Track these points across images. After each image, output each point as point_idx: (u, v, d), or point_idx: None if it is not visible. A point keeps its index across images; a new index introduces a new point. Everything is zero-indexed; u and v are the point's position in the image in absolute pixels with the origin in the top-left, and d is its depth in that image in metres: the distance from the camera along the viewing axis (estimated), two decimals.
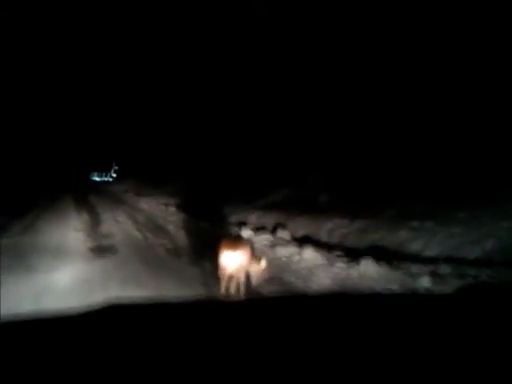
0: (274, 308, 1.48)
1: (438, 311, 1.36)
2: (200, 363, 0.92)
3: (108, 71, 40.92)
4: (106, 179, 53.66)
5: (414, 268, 5.40)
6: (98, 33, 36.40)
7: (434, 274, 4.99)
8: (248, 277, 4.53)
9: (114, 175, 54.63)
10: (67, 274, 5.67)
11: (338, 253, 6.72)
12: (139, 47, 32.90)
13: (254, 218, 11.42)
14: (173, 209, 13.57)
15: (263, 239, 8.05)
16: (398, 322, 1.24)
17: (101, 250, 7.45)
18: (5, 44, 26.92)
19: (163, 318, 1.29)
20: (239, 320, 1.31)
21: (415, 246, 7.41)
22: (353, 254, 6.47)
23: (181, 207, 13.73)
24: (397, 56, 12.29)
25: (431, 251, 7.07)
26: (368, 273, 5.31)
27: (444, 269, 5.22)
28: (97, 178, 57.77)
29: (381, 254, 6.36)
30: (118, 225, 10.65)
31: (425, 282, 4.77)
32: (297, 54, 16.65)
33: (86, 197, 20.61)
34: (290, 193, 13.48)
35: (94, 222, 11.06)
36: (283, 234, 8.78)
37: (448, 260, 5.98)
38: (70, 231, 9.40)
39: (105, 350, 1.00)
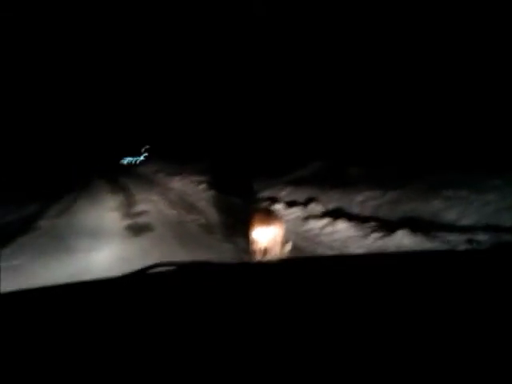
0: (306, 268, 1.50)
1: (473, 267, 1.35)
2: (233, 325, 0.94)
3: (133, 60, 41.86)
4: (136, 161, 54.47)
5: (451, 237, 5.31)
6: (117, 22, 37.26)
7: (471, 242, 4.89)
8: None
9: (145, 156, 55.42)
10: (106, 253, 5.83)
11: (371, 224, 6.67)
12: (156, 40, 34.08)
13: (284, 193, 11.41)
14: (203, 186, 13.69)
15: (295, 213, 8.05)
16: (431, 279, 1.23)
17: (137, 228, 7.62)
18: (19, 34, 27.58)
19: (202, 280, 1.32)
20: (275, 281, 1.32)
21: (450, 216, 7.26)
22: (386, 226, 6.41)
23: (211, 184, 13.84)
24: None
25: (467, 220, 6.92)
26: (404, 243, 5.26)
27: (481, 236, 5.11)
28: (128, 160, 58.70)
29: (415, 225, 6.27)
30: (151, 204, 10.84)
31: None
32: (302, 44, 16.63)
33: (119, 179, 21.03)
34: (321, 166, 13.37)
35: (129, 202, 11.30)
36: (315, 207, 8.75)
37: (485, 228, 5.86)
38: (106, 212, 9.64)
39: (142, 311, 1.03)
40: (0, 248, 6.00)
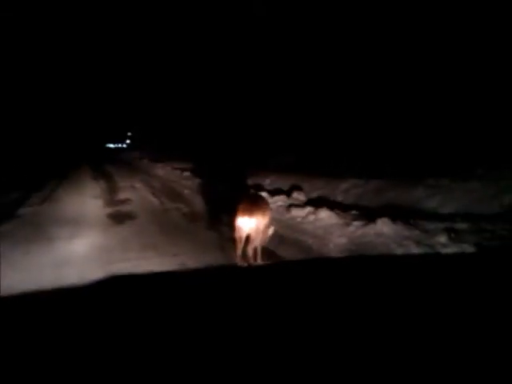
0: (292, 273, 1.50)
1: (454, 271, 1.38)
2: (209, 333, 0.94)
3: (123, 49, 41.59)
4: (119, 147, 54.02)
5: (431, 225, 5.38)
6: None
7: (450, 231, 4.97)
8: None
9: (127, 144, 54.98)
10: (88, 240, 5.79)
11: (354, 212, 6.72)
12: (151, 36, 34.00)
13: (268, 181, 11.43)
14: (187, 174, 13.62)
15: (279, 201, 8.07)
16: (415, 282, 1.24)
17: (119, 216, 7.56)
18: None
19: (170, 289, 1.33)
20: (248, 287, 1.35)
21: (432, 204, 7.36)
22: (369, 214, 6.46)
23: (195, 172, 13.79)
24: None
25: (448, 208, 7.02)
26: (384, 231, 5.31)
27: (460, 225, 5.20)
28: (110, 147, 58.15)
29: (397, 213, 6.34)
30: (134, 191, 10.77)
31: (441, 239, 4.75)
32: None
33: (102, 165, 20.82)
34: (305, 155, 13.40)
35: (111, 190, 11.21)
36: (299, 195, 8.79)
37: (465, 216, 5.95)
38: (88, 199, 9.54)
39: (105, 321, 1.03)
40: None
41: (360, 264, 1.69)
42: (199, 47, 26.27)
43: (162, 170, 16.56)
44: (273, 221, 5.08)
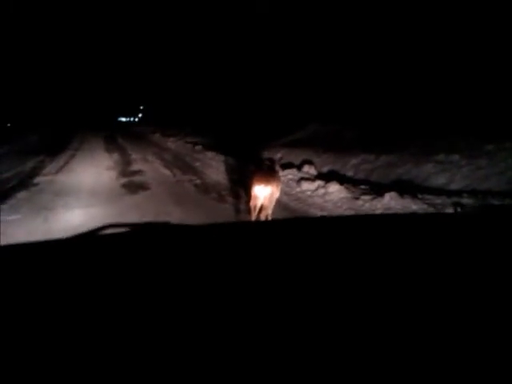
0: (293, 228, 1.49)
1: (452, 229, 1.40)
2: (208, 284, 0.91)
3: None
4: (131, 121, 54.12)
5: (438, 200, 5.48)
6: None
7: (457, 205, 5.07)
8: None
9: (139, 117, 55.03)
10: (104, 208, 5.97)
11: (363, 187, 6.83)
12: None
13: (280, 155, 11.52)
14: (199, 147, 13.74)
15: (289, 174, 8.19)
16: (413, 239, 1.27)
17: (133, 186, 7.74)
18: None
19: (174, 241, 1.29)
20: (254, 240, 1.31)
21: (440, 180, 7.43)
22: (377, 189, 6.57)
23: (207, 145, 13.90)
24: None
25: (457, 184, 7.09)
26: (392, 205, 5.43)
27: (467, 200, 5.29)
28: (123, 120, 58.27)
29: (406, 188, 6.44)
30: (147, 164, 10.94)
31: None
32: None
33: (115, 138, 20.99)
34: (316, 129, 13.41)
35: (125, 161, 11.38)
36: (309, 169, 8.89)
37: (472, 192, 6.03)
38: (102, 170, 9.73)
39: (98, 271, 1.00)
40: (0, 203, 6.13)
41: (362, 221, 1.71)
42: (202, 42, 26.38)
43: (173, 144, 16.70)
44: (284, 196, 5.25)
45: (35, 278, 0.94)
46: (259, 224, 2.06)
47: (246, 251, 1.14)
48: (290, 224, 1.71)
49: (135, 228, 1.39)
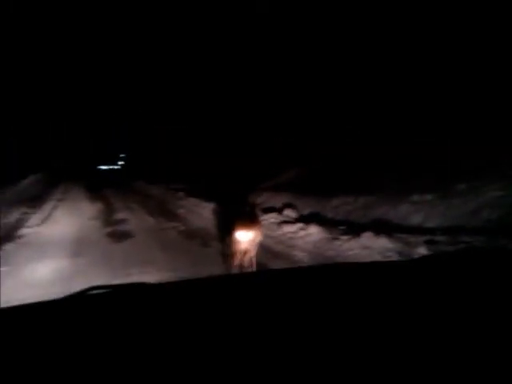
0: (281, 280, 1.57)
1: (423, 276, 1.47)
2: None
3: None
4: (113, 168, 54.21)
5: (412, 238, 5.75)
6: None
7: (430, 243, 5.35)
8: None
9: (121, 165, 55.25)
10: (90, 258, 6.07)
11: (342, 227, 7.09)
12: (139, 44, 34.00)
13: (261, 199, 11.78)
14: (182, 194, 13.93)
15: (271, 218, 8.41)
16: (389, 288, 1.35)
17: (117, 235, 7.86)
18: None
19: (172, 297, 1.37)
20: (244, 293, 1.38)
21: (416, 219, 7.75)
22: (356, 229, 6.83)
23: (189, 191, 14.11)
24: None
25: (431, 223, 7.41)
26: (368, 244, 5.68)
27: (440, 237, 5.57)
28: (103, 168, 58.36)
29: (382, 227, 6.72)
30: (130, 212, 11.07)
31: (421, 250, 5.12)
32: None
33: (97, 187, 21.05)
34: (297, 173, 13.80)
35: (108, 210, 11.49)
36: (291, 212, 9.14)
37: (446, 230, 6.33)
38: (86, 220, 9.81)
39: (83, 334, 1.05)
40: None
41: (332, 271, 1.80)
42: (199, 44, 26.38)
43: (156, 191, 16.87)
44: (265, 238, 5.46)
45: (28, 344, 0.99)
46: (241, 278, 2.15)
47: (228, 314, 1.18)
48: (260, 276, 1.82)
49: (122, 289, 1.45)
